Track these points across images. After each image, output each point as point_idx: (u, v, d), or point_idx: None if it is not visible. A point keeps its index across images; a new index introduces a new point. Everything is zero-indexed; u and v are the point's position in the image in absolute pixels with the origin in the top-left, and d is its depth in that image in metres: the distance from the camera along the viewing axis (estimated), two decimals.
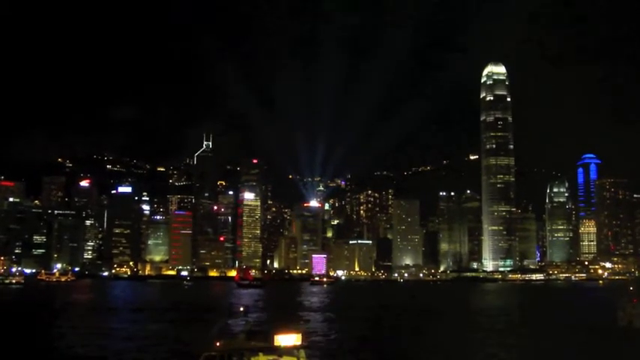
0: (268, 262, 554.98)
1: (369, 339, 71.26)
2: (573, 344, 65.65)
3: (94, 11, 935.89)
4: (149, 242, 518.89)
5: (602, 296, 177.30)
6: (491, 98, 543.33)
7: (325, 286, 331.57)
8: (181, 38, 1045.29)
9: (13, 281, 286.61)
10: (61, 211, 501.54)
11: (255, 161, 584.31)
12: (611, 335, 72.75)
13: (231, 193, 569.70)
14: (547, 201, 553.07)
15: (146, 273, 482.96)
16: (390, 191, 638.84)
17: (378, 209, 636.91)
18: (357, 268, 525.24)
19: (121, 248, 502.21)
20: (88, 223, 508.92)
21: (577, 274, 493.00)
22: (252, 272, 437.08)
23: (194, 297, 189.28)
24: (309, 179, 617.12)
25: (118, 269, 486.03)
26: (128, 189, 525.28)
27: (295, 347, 30.53)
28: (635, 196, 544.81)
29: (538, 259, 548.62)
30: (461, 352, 59.04)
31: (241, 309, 37.95)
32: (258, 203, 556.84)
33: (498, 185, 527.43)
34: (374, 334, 76.24)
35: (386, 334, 76.10)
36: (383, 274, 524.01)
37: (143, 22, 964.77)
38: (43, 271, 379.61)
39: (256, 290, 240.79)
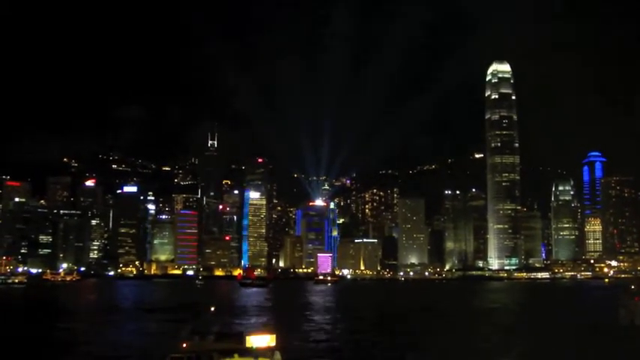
0: (274, 261, 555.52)
1: (355, 340, 70.80)
2: (575, 343, 65.53)
3: (99, 12, 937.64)
4: (155, 242, 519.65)
5: (607, 295, 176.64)
6: (497, 96, 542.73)
7: (329, 285, 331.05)
8: (187, 38, 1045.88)
9: (16, 281, 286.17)
10: (66, 211, 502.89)
11: (260, 160, 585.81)
12: (612, 334, 72.61)
13: (236, 192, 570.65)
14: (552, 199, 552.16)
15: (152, 272, 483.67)
16: (395, 190, 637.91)
17: (383, 208, 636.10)
18: (362, 267, 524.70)
19: (126, 248, 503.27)
20: (93, 222, 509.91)
21: (583, 273, 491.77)
22: (258, 271, 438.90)
23: (201, 296, 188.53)
24: (315, 178, 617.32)
25: (123, 269, 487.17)
26: (133, 188, 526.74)
27: (269, 349, 29.74)
28: None
29: (543, 257, 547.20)
30: (461, 356, 58.57)
31: (212, 309, 36.69)
32: (264, 202, 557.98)
33: (503, 183, 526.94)
34: (363, 335, 75.71)
35: (377, 336, 75.34)
36: (388, 272, 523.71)
37: (148, 22, 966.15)
38: (48, 270, 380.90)
39: (259, 289, 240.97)
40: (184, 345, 30.11)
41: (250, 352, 29.11)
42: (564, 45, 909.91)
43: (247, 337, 29.33)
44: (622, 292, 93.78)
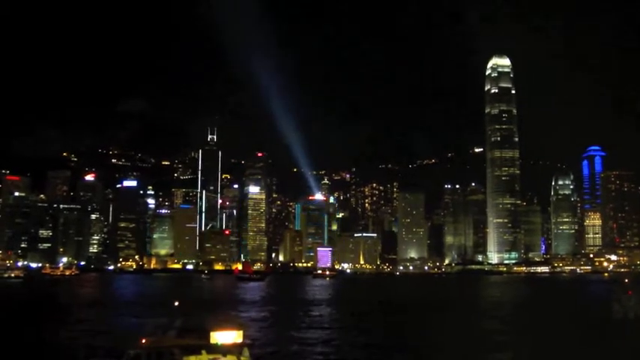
0: (273, 255, 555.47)
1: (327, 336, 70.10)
2: (568, 336, 65.61)
3: (100, 6, 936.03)
4: (154, 236, 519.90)
5: (605, 289, 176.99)
6: (496, 91, 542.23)
7: (328, 279, 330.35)
8: (186, 32, 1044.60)
9: (12, 275, 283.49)
10: (66, 206, 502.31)
11: (259, 154, 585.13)
12: (604, 327, 72.70)
13: (236, 186, 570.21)
14: (552, 193, 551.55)
15: (151, 267, 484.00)
16: (394, 184, 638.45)
17: (383, 202, 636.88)
18: (362, 261, 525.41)
19: (126, 242, 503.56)
20: (93, 217, 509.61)
21: (582, 267, 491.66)
22: (258, 265, 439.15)
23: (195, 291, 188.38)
24: (314, 172, 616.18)
25: (123, 263, 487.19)
26: (133, 183, 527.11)
27: (236, 345, 28.45)
28: None
29: (543, 251, 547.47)
30: (450, 350, 58.03)
31: (176, 304, 35.39)
32: (263, 196, 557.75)
33: (503, 178, 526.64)
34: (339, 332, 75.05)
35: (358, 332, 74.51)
36: (388, 267, 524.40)
37: (148, 16, 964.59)
38: (47, 265, 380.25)
39: (255, 284, 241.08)
40: (143, 341, 28.86)
41: (217, 348, 27.79)
42: (564, 40, 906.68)
43: (212, 333, 27.96)
44: (617, 286, 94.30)
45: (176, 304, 35.23)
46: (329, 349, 58.86)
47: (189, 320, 30.47)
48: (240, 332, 29.03)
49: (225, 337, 28.20)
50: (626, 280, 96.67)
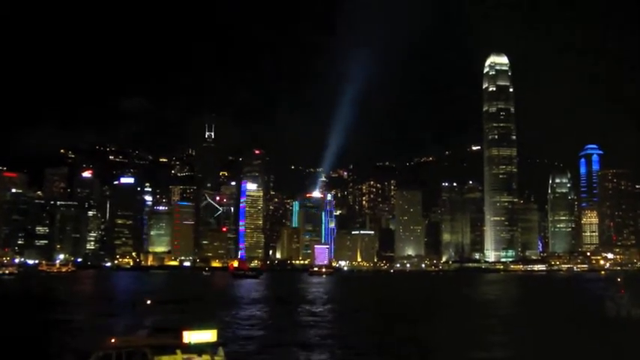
0: (271, 252, 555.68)
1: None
2: (561, 333, 65.57)
3: (99, 4, 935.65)
4: (152, 233, 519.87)
5: (602, 287, 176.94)
6: (494, 89, 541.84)
7: (324, 276, 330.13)
8: (186, 29, 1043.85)
9: (6, 272, 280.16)
10: (63, 202, 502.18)
11: (257, 152, 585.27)
12: (596, 325, 72.73)
13: (233, 183, 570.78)
14: (549, 192, 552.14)
15: (148, 264, 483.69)
16: (392, 182, 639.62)
17: (380, 200, 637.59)
18: (359, 259, 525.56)
19: (123, 239, 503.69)
20: (90, 213, 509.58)
21: (579, 265, 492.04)
22: (255, 262, 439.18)
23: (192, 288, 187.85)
24: (312, 170, 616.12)
25: (120, 260, 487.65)
26: (131, 180, 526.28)
27: (212, 344, 27.46)
28: (637, 186, 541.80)
29: (540, 249, 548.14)
30: (447, 350, 57.61)
31: (148, 302, 34.70)
32: (261, 194, 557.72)
33: (501, 176, 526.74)
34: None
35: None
36: (385, 264, 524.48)
37: (146, 13, 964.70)
38: (43, 261, 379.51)
39: (250, 280, 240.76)
40: (112, 340, 27.57)
41: (191, 348, 26.67)
42: (562, 38, 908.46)
43: (184, 333, 26.57)
44: (612, 284, 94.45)
45: (148, 302, 34.52)
46: (316, 349, 58.63)
47: (162, 319, 29.41)
48: (215, 331, 27.80)
49: (199, 336, 27.01)
50: (619, 279, 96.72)
